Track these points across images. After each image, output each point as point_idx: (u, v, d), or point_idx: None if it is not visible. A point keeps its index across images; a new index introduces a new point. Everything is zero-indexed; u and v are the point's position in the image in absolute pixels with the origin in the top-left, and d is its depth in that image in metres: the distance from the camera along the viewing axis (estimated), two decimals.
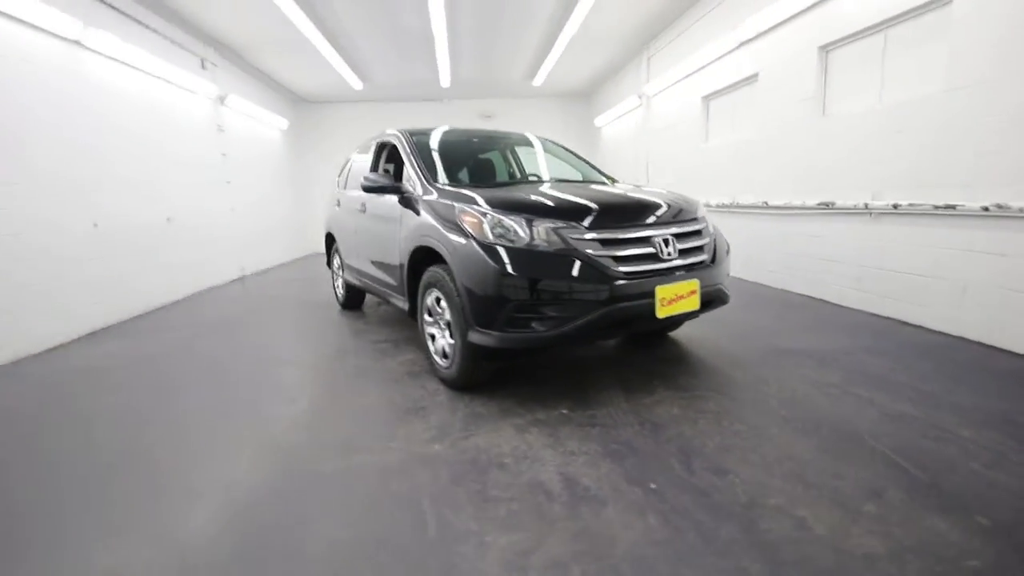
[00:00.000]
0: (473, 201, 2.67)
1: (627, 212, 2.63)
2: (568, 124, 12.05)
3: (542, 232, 2.45)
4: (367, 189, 3.51)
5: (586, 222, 2.49)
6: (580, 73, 9.89)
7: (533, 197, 2.73)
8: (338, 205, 4.98)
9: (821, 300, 4.65)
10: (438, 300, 2.86)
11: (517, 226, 2.47)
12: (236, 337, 4.32)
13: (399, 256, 3.29)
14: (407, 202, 3.23)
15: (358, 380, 3.14)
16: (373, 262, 3.88)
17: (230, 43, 7.42)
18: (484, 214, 2.55)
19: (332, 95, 10.84)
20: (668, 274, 2.55)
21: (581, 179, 3.84)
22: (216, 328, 4.64)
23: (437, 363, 2.98)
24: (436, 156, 3.53)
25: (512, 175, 4.17)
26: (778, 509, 1.68)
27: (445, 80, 9.63)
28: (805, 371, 2.93)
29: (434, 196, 2.99)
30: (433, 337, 3.02)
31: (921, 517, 1.62)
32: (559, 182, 3.60)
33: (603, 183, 3.63)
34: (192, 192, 6.67)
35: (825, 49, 4.54)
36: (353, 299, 5.11)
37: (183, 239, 6.33)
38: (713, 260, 2.79)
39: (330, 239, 5.44)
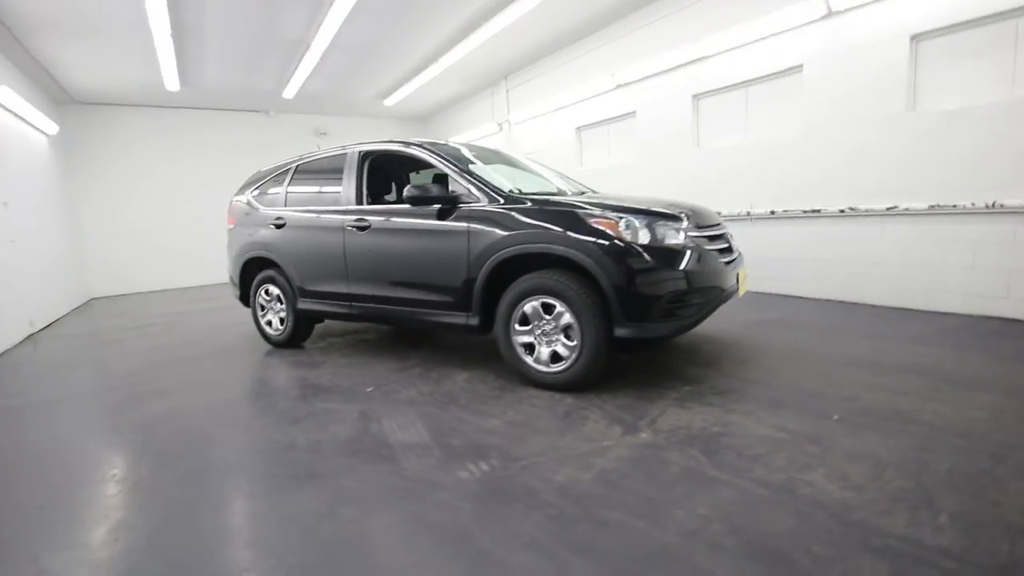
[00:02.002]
0: (597, 207, 2.83)
1: (701, 214, 3.15)
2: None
3: (670, 232, 2.77)
4: (414, 201, 3.24)
5: (689, 223, 2.91)
6: (431, 98, 10.13)
7: (631, 204, 3.00)
8: (275, 227, 4.22)
9: None
10: (546, 307, 2.88)
11: (651, 227, 2.74)
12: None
13: (465, 271, 3.13)
14: (475, 215, 3.12)
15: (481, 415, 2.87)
16: (398, 282, 3.49)
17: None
18: (620, 218, 2.74)
19: (127, 95, 8.57)
20: (734, 263, 3.16)
21: (578, 190, 4.20)
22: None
23: (537, 370, 2.97)
24: (481, 169, 3.45)
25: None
26: None
27: (291, 91, 8.68)
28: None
29: (526, 205, 2.99)
30: (531, 347, 3.00)
31: None
32: (581, 193, 3.86)
33: (594, 192, 4.06)
34: None
35: (697, 97, 5.94)
36: (301, 333, 4.34)
37: None
38: None
39: (254, 268, 4.52)
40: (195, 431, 2.74)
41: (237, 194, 4.83)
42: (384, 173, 4.36)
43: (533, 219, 2.92)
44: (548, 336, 2.94)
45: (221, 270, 11.21)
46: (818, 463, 2.03)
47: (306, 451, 2.40)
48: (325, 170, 4.17)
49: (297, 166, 4.34)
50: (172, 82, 7.69)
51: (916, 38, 4.09)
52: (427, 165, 3.60)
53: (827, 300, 4.95)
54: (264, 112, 10.41)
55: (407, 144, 3.68)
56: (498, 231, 3.01)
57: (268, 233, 4.30)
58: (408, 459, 2.26)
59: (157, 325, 6.07)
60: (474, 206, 3.15)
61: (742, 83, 5.44)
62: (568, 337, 2.86)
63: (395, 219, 3.52)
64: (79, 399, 3.43)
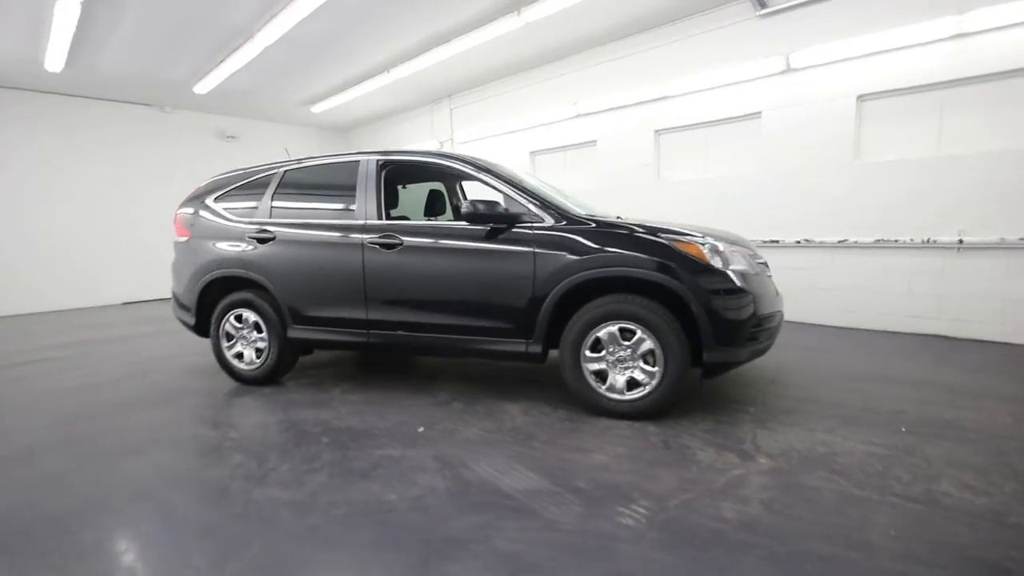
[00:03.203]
0: (677, 232, 2.80)
1: (747, 242, 3.30)
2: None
3: (737, 257, 2.85)
4: (474, 219, 2.96)
5: (749, 249, 3.04)
6: (363, 110, 9.55)
7: (689, 229, 3.03)
8: (257, 242, 3.58)
9: None
10: (624, 332, 2.79)
11: (724, 252, 2.79)
12: None
13: (530, 295, 2.91)
14: (542, 235, 2.93)
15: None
16: (441, 308, 3.13)
17: None
18: (703, 243, 2.75)
19: None
20: None
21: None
22: None
23: (609, 398, 2.84)
24: (537, 187, 3.26)
25: None
26: None
27: (207, 86, 7.57)
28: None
29: (598, 227, 2.87)
30: (603, 375, 2.86)
31: None
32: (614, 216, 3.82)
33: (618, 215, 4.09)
34: None
35: (659, 132, 6.35)
36: (284, 367, 3.69)
37: None
38: None
39: (216, 289, 3.76)
40: (228, 534, 2.15)
41: (189, 202, 4.02)
42: (391, 186, 3.95)
43: (611, 242, 2.83)
44: (623, 363, 2.84)
45: (122, 288, 9.37)
46: (934, 473, 2.19)
47: (414, 511, 2.00)
48: (328, 179, 3.66)
49: (285, 173, 3.75)
50: (55, 61, 6.25)
51: (862, 98, 4.83)
52: (459, 178, 3.34)
53: (787, 321, 5.51)
54: (159, 107, 8.94)
55: (445, 156, 3.39)
56: (570, 254, 2.86)
57: (247, 249, 3.62)
58: (547, 509, 1.99)
59: (57, 359, 4.75)
60: (538, 226, 2.97)
61: (704, 123, 5.94)
62: (647, 363, 2.79)
63: (441, 239, 3.19)
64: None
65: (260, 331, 3.64)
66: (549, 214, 2.99)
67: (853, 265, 5.02)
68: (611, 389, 2.85)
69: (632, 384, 2.83)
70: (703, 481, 2.17)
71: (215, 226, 3.81)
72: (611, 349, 2.84)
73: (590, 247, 2.84)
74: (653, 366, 2.77)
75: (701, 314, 2.65)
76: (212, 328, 3.77)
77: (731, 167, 5.82)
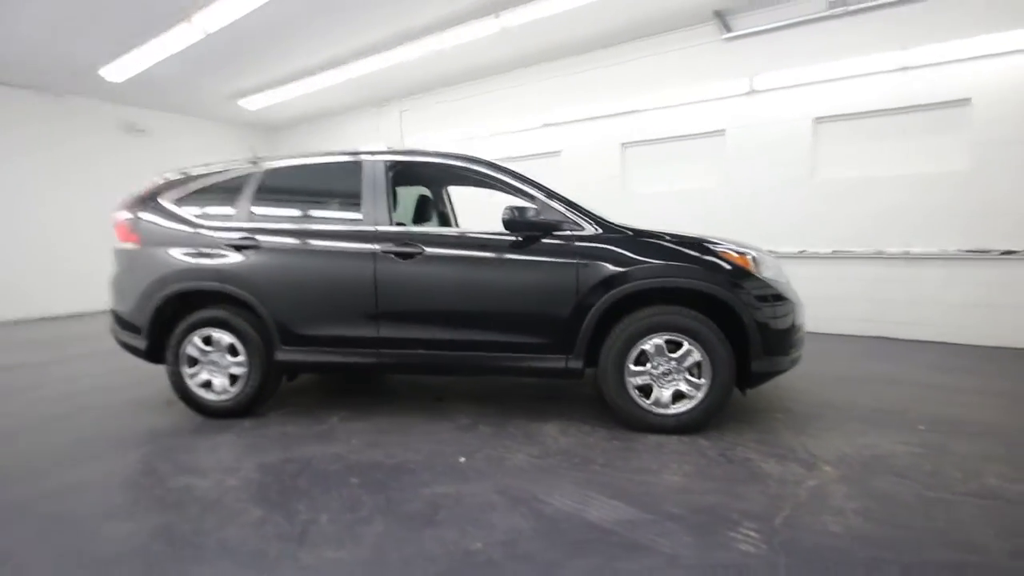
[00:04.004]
0: (715, 243, 2.78)
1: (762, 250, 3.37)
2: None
3: (772, 266, 2.89)
4: (514, 226, 2.75)
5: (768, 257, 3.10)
6: (300, 108, 8.83)
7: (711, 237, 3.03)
8: (235, 250, 3.06)
9: None
10: (671, 344, 2.70)
11: (771, 262, 2.82)
12: None
13: (572, 308, 2.74)
14: (583, 245, 2.79)
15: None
16: (469, 323, 2.85)
17: None
18: (745, 252, 2.74)
19: None
20: None
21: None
22: None
23: (654, 413, 2.74)
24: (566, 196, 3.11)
25: None
26: None
27: (121, 72, 6.54)
28: None
29: (640, 237, 2.78)
30: (647, 389, 2.75)
31: None
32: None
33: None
34: None
35: (626, 145, 6.47)
36: (263, 395, 3.17)
37: None
38: None
39: (173, 307, 3.16)
40: None
41: (137, 204, 3.35)
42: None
43: (659, 253, 2.75)
44: (668, 376, 2.76)
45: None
46: (976, 468, 2.32)
47: (515, 560, 1.73)
48: (323, 181, 3.24)
49: (266, 172, 3.26)
50: None
51: (818, 120, 5.25)
52: (478, 183, 3.11)
53: None
54: (51, 93, 7.59)
55: (465, 159, 3.13)
56: (615, 264, 2.74)
57: (222, 259, 3.08)
58: (656, 542, 1.82)
59: None
60: (579, 235, 2.82)
61: (670, 138, 6.15)
62: (692, 375, 2.73)
63: (469, 248, 2.93)
64: None
65: (235, 355, 3.10)
66: (588, 222, 2.85)
67: (812, 275, 5.40)
68: (657, 403, 2.76)
69: (676, 397, 2.76)
70: (787, 496, 2.12)
71: (174, 233, 3.21)
72: (656, 362, 2.75)
73: (636, 258, 2.74)
74: (699, 378, 2.72)
75: (751, 324, 2.64)
76: (169, 353, 3.15)
77: (696, 181, 6.06)
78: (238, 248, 3.08)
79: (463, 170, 3.14)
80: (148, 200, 3.34)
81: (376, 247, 2.94)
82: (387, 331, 2.95)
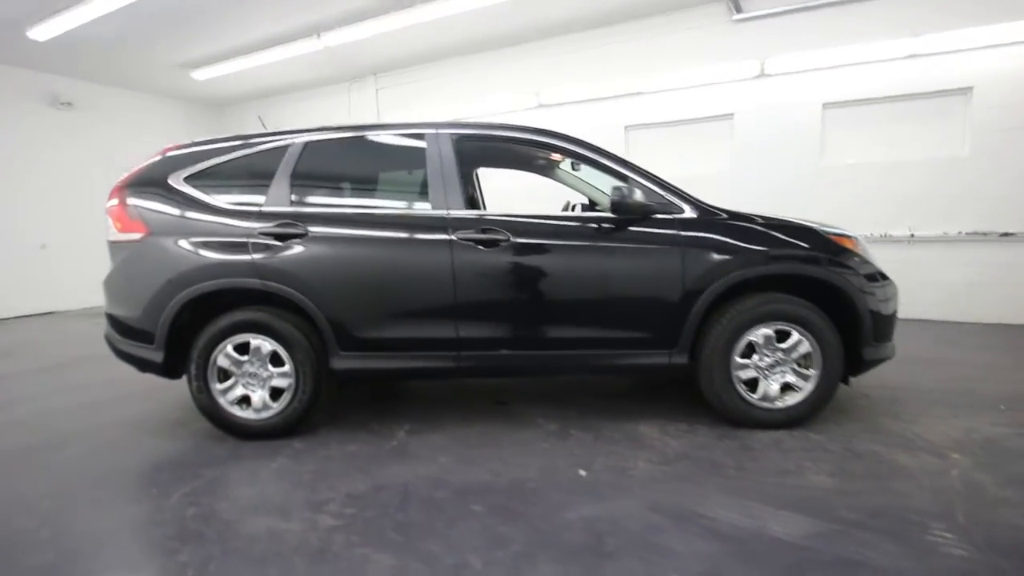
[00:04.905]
0: (816, 225, 2.67)
1: None
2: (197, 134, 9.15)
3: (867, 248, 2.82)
4: (622, 209, 2.47)
5: None
6: (260, 81, 7.94)
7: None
8: (277, 240, 2.57)
9: None
10: (781, 334, 2.56)
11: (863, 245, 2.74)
12: None
13: (679, 298, 2.53)
14: (688, 229, 2.59)
15: None
16: (563, 318, 2.57)
17: None
18: (848, 234, 2.65)
19: None
20: None
21: None
22: None
23: (761, 407, 2.60)
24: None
25: None
26: None
27: (47, 31, 5.49)
28: None
29: (721, 217, 2.65)
30: (753, 382, 2.60)
31: None
32: None
33: None
34: None
35: (629, 128, 6.31)
36: (313, 409, 2.71)
37: None
38: None
39: (198, 310, 2.63)
40: None
41: (141, 185, 2.74)
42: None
43: (765, 237, 2.59)
44: (774, 368, 2.62)
45: None
46: None
47: None
48: (377, 157, 2.80)
49: (306, 147, 2.75)
50: None
51: (827, 105, 5.33)
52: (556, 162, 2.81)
53: None
54: None
55: (545, 133, 2.81)
56: (721, 249, 2.56)
57: (262, 251, 2.57)
58: (861, 554, 1.65)
59: None
60: (681, 218, 2.60)
61: (676, 122, 6.06)
62: (800, 367, 2.61)
63: (560, 235, 2.64)
64: None
65: (279, 364, 2.63)
66: (689, 205, 2.64)
67: None
68: (764, 398, 2.61)
69: (783, 390, 2.63)
70: (944, 489, 2.04)
71: (194, 220, 2.66)
72: (762, 353, 2.60)
73: (741, 244, 2.58)
74: (808, 369, 2.60)
75: (865, 310, 2.55)
76: (193, 365, 2.61)
77: (703, 166, 6.01)
78: (280, 238, 2.59)
79: (541, 144, 2.82)
80: (155, 179, 2.74)
81: (451, 235, 2.56)
82: (467, 330, 2.59)
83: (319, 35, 6.06)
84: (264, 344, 2.61)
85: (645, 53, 6.02)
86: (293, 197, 2.69)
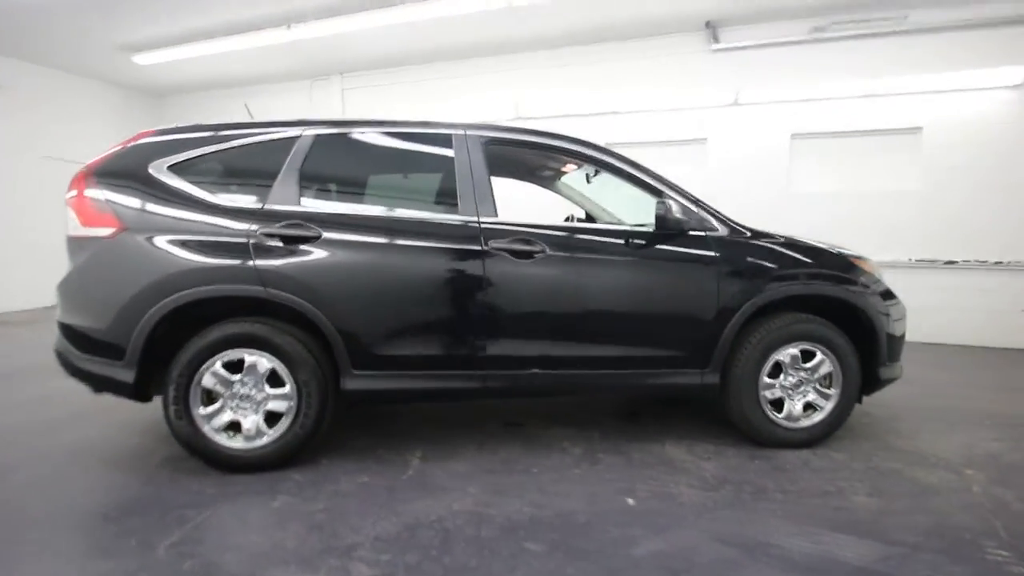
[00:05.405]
0: (839, 249, 2.73)
1: None
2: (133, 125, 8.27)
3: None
4: (666, 224, 2.41)
5: None
6: (208, 72, 7.32)
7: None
8: (283, 244, 2.27)
9: None
10: (806, 354, 2.58)
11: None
12: None
13: (713, 316, 2.48)
14: (724, 248, 2.58)
15: None
16: (598, 336, 2.45)
17: None
18: (862, 256, 2.75)
19: None
20: None
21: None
22: None
23: (786, 427, 2.60)
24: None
25: None
26: None
27: None
28: None
29: (745, 236, 2.69)
30: (779, 403, 2.60)
31: None
32: None
33: None
34: None
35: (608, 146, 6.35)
36: (315, 435, 2.39)
37: None
38: None
39: (177, 321, 2.26)
40: None
41: (112, 175, 2.33)
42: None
43: (794, 259, 2.63)
44: (798, 388, 2.64)
45: None
46: None
47: None
48: (397, 155, 2.57)
49: (315, 140, 2.46)
50: None
51: (795, 136, 5.65)
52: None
53: None
54: None
55: (579, 143, 2.74)
56: (752, 268, 2.58)
57: (264, 255, 2.25)
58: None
59: None
60: (716, 236, 2.58)
61: (650, 143, 6.18)
62: (822, 386, 2.64)
63: (600, 250, 2.56)
64: None
65: (278, 384, 2.30)
66: (721, 222, 2.64)
67: None
68: (788, 417, 2.62)
69: (805, 410, 2.65)
70: (976, 506, 2.10)
71: (180, 216, 2.29)
72: (788, 373, 2.61)
73: (778, 263, 2.61)
74: (829, 388, 2.64)
75: (883, 330, 2.63)
76: (172, 387, 2.23)
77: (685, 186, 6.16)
78: (286, 240, 2.29)
79: (574, 153, 2.72)
80: (130, 169, 2.34)
81: (485, 245, 2.38)
82: (497, 347, 2.40)
83: (289, 26, 5.65)
84: (262, 361, 2.28)
85: (625, 73, 6.13)
86: (303, 196, 2.39)
